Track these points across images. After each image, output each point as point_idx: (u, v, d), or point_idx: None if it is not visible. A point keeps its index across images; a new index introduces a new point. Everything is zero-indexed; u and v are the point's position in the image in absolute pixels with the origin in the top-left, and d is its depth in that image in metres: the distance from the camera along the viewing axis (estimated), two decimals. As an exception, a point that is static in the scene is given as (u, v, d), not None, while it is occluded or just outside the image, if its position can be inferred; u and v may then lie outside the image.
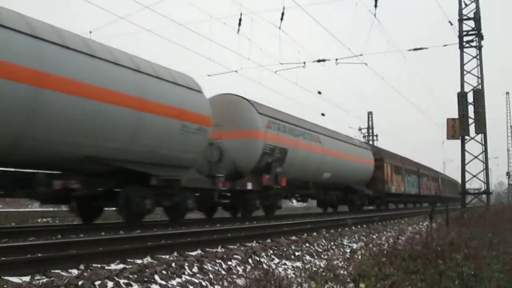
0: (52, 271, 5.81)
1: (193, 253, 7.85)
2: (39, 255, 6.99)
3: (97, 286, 5.06)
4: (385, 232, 14.97)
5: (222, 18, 22.38)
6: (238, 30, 19.91)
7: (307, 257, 9.04)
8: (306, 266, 8.05)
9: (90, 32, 17.50)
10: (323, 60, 23.39)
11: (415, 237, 10.42)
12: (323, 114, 31.92)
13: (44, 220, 20.99)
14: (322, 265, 8.13)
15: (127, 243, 8.71)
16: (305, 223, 16.15)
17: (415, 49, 22.86)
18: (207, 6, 23.48)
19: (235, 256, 7.78)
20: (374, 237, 12.99)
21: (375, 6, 19.46)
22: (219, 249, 8.56)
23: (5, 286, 4.77)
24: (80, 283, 5.00)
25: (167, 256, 7.44)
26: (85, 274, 5.58)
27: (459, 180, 25.86)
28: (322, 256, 9.37)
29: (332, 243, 11.10)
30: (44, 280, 5.22)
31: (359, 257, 8.63)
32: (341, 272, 7.21)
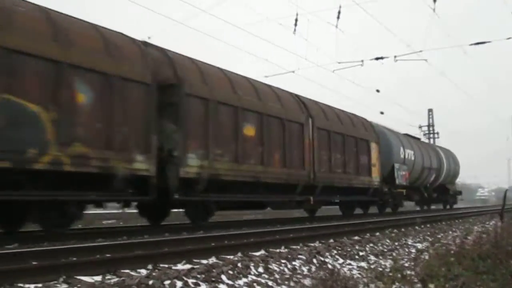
0: (122, 270, 5.92)
1: (257, 254, 7.86)
2: (108, 255, 7.14)
3: (166, 286, 5.14)
4: (450, 232, 14.60)
5: (278, 19, 22.40)
6: (295, 30, 19.90)
7: (372, 257, 8.91)
8: (372, 266, 7.95)
9: (149, 37, 17.78)
10: (382, 58, 23.07)
11: (483, 237, 10.13)
12: (382, 113, 31.59)
13: (109, 222, 21.53)
14: (388, 265, 8.01)
15: (191, 244, 8.80)
16: (367, 223, 15.94)
17: (477, 43, 22.23)
18: (263, 8, 23.59)
19: (299, 256, 7.76)
20: (440, 236, 12.70)
21: (434, 0, 19.04)
22: (282, 249, 8.54)
23: (79, 285, 4.89)
24: (150, 282, 5.09)
25: (232, 257, 7.48)
26: (154, 274, 5.67)
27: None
28: (387, 256, 9.21)
29: (397, 243, 10.91)
30: (115, 280, 5.34)
31: (426, 257, 8.46)
32: (408, 272, 7.07)
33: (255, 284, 5.87)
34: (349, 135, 20.61)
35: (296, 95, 18.62)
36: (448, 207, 37.61)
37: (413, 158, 27.19)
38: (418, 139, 32.89)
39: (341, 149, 19.88)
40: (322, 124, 18.81)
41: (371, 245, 10.10)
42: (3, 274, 5.12)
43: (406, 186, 25.69)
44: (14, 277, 5.06)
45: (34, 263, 6.08)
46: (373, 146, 22.36)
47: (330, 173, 18.92)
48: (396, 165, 24.52)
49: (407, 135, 29.82)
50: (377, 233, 12.16)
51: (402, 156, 25.52)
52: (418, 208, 35.26)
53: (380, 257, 9.01)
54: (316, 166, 17.95)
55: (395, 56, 22.78)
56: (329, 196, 19.89)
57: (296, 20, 19.67)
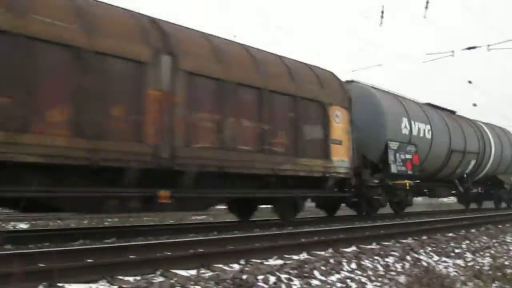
0: (215, 265, 6.02)
1: (349, 250, 7.78)
2: (201, 250, 7.27)
3: (260, 281, 5.17)
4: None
5: (363, 12, 22.12)
6: (381, 23, 19.53)
7: (468, 255, 8.58)
8: (469, 264, 7.66)
9: (235, 36, 18.00)
10: (473, 48, 22.19)
11: None
12: (474, 105, 30.37)
13: (198, 218, 22.03)
14: (486, 263, 7.69)
15: (281, 240, 8.83)
16: (461, 219, 15.41)
17: None
18: (348, 1, 23.32)
19: (392, 252, 7.60)
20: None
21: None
22: (374, 246, 8.39)
23: (175, 279, 5.02)
24: (244, 277, 5.14)
25: (323, 252, 7.44)
26: (247, 268, 5.73)
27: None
28: (484, 254, 8.85)
29: (494, 240, 10.46)
30: (210, 274, 5.44)
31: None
32: (509, 271, 6.78)
33: (348, 280, 5.80)
34: (276, 91, 12.31)
35: (153, 20, 10.39)
36: (504, 205, 27.12)
37: (429, 136, 18.85)
38: (453, 112, 23.36)
39: (253, 113, 11.71)
40: (199, 67, 10.57)
41: (467, 242, 9.73)
42: (104, 267, 5.34)
43: (413, 176, 17.84)
44: (114, 270, 5.27)
45: (131, 256, 6.31)
46: (338, 113, 14.48)
47: (220, 150, 10.75)
48: (392, 144, 16.69)
49: (429, 104, 21.42)
50: (473, 230, 11.71)
51: (405, 131, 17.43)
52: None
53: (477, 255, 8.67)
54: (178, 137, 9.97)
55: (488, 45, 21.84)
56: (224, 189, 11.24)
57: (382, 12, 19.32)
